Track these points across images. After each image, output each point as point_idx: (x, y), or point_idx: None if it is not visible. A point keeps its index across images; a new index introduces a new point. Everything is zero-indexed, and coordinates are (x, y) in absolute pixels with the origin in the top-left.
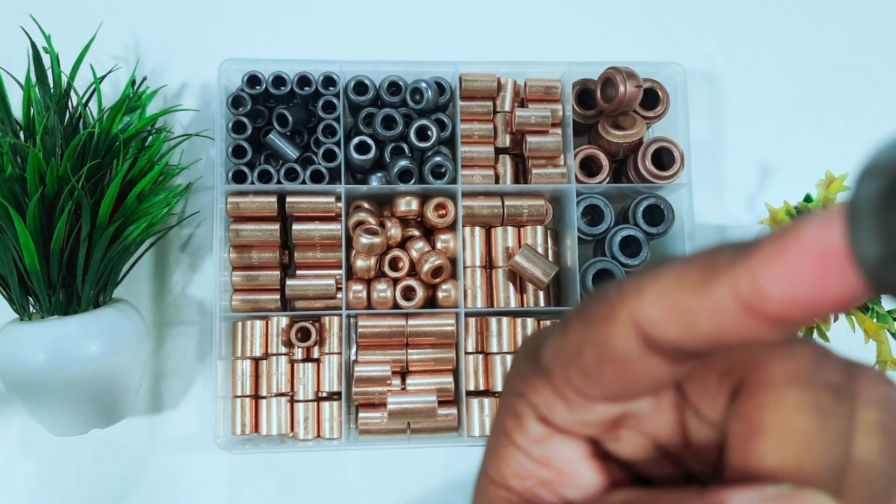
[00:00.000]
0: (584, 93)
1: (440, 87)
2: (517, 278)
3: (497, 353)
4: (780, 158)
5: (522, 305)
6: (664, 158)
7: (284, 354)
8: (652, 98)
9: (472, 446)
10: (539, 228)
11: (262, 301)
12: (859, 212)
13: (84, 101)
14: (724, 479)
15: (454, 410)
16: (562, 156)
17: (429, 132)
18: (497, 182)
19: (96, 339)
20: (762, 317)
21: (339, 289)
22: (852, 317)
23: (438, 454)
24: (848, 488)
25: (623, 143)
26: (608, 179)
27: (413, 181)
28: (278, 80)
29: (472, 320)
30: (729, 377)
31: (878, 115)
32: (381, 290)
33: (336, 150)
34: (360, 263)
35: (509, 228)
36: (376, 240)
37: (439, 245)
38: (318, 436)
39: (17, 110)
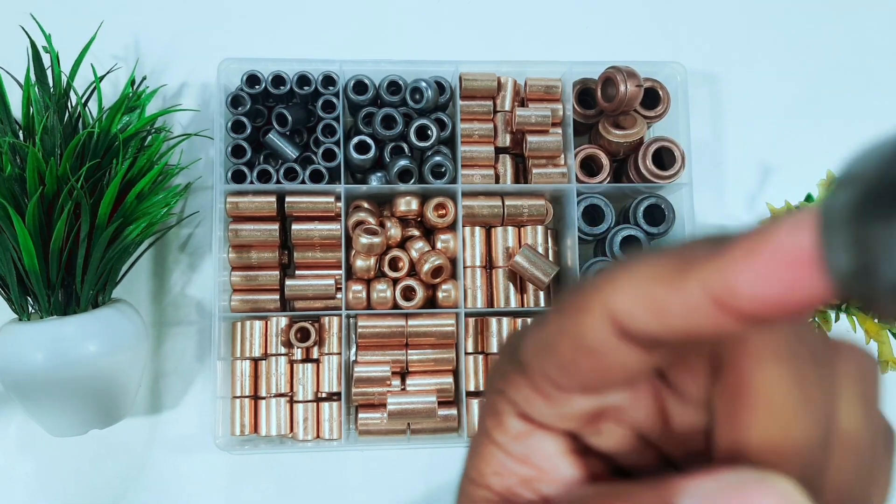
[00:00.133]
0: (585, 92)
1: (440, 87)
2: (517, 278)
3: (497, 354)
4: (780, 158)
5: (522, 305)
6: (665, 158)
7: (284, 355)
8: (652, 98)
9: None
10: (539, 228)
11: (262, 301)
12: (832, 221)
13: (83, 100)
14: (713, 458)
15: (454, 411)
16: (562, 155)
17: (429, 132)
18: (497, 182)
19: (95, 339)
20: (733, 313)
21: (338, 289)
22: (853, 317)
23: (438, 454)
24: (834, 459)
25: (623, 143)
26: (609, 179)
27: (413, 181)
28: (278, 80)
29: (471, 320)
30: (709, 353)
31: (878, 115)
32: (381, 290)
33: (336, 149)
34: (359, 263)
35: (509, 228)
36: (376, 240)
37: (439, 245)
38: (318, 436)
39: (16, 110)
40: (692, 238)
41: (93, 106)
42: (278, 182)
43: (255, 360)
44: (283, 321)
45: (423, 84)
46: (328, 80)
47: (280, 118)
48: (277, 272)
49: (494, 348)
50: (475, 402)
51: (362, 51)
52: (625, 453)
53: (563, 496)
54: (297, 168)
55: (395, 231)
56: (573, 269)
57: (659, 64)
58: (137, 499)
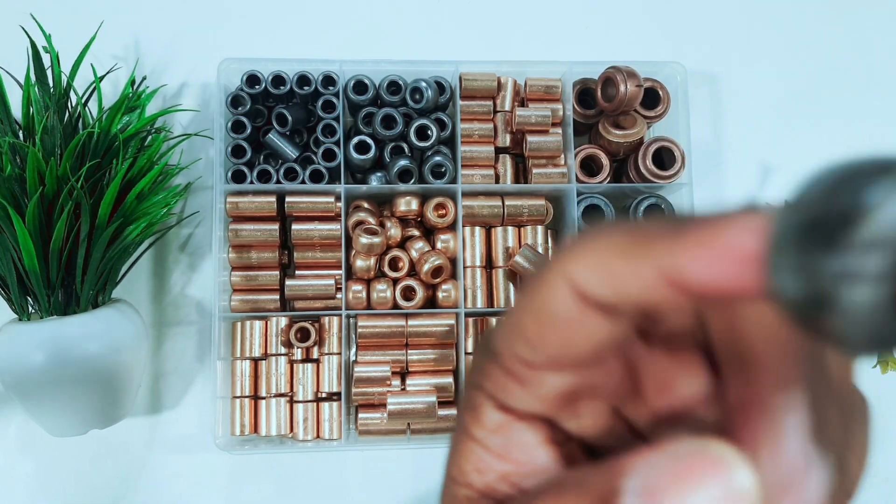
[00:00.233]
0: (585, 92)
1: (440, 87)
2: (517, 278)
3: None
4: (780, 158)
5: None
6: (665, 158)
7: (284, 355)
8: (652, 98)
9: None
10: (539, 228)
11: (262, 301)
12: (779, 242)
13: (84, 100)
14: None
15: (454, 411)
16: (562, 155)
17: (429, 132)
18: (497, 182)
19: (95, 339)
20: (682, 291)
21: (338, 289)
22: None
23: (438, 454)
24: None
25: (623, 143)
26: (608, 179)
27: (413, 181)
28: (278, 80)
29: (471, 320)
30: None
31: (878, 115)
32: (381, 290)
33: (336, 149)
34: (359, 263)
35: (509, 228)
36: (376, 240)
37: (439, 245)
38: (318, 436)
39: (16, 110)
40: (652, 218)
41: (93, 106)
42: (278, 182)
43: (255, 360)
44: (283, 321)
45: (423, 84)
46: (328, 80)
47: (280, 118)
48: (277, 272)
49: None
50: None
51: (362, 51)
52: (602, 435)
53: (527, 490)
54: (297, 168)
55: (395, 231)
56: None
57: (659, 64)
58: (137, 499)
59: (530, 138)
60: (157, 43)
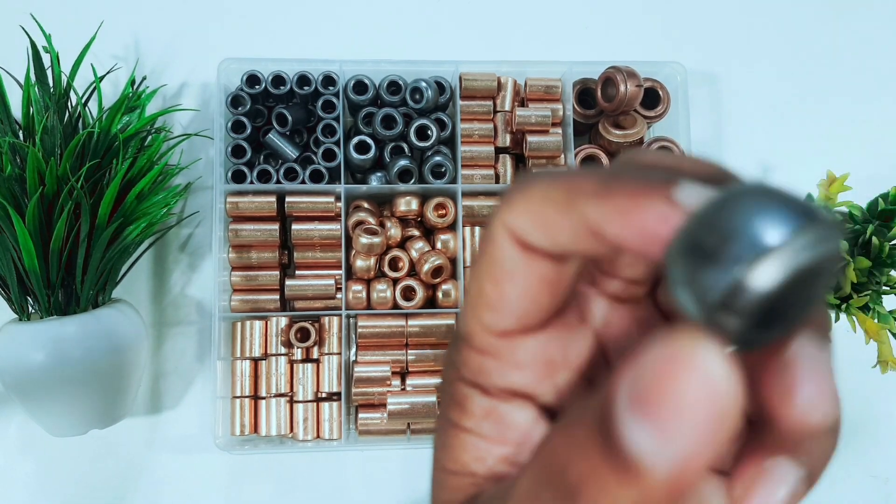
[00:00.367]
0: (585, 92)
1: (440, 87)
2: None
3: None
4: (780, 158)
5: None
6: None
7: (284, 355)
8: (652, 98)
9: None
10: None
11: (262, 301)
12: (672, 253)
13: (83, 100)
14: None
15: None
16: (562, 155)
17: (429, 132)
18: (497, 182)
19: (95, 339)
20: (603, 243)
21: (338, 289)
22: (853, 317)
23: None
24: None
25: (624, 143)
26: None
27: (413, 181)
28: (278, 80)
29: None
30: None
31: (878, 115)
32: (381, 290)
33: (336, 149)
34: (359, 263)
35: None
36: (376, 240)
37: (439, 245)
38: (318, 436)
39: (16, 110)
40: (584, 169)
41: (93, 106)
42: (278, 182)
43: (255, 360)
44: (283, 321)
45: (423, 84)
46: (328, 80)
47: (280, 118)
48: (277, 272)
49: None
50: None
51: (362, 51)
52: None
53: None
54: (297, 168)
55: (395, 231)
56: None
57: (659, 64)
58: (137, 499)
59: (530, 138)
60: (157, 43)
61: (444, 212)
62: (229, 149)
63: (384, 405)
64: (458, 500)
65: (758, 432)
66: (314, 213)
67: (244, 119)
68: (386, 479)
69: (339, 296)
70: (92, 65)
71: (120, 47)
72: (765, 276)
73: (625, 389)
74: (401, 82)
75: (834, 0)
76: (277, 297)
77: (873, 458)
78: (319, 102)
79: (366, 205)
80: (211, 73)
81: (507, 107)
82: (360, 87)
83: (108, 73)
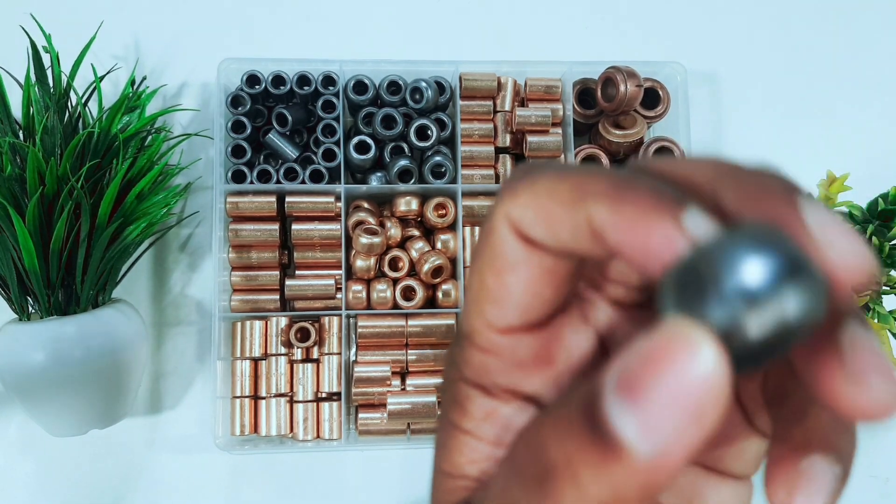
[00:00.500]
0: (585, 92)
1: (440, 87)
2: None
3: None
4: (780, 158)
5: None
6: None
7: (284, 355)
8: (652, 97)
9: None
10: None
11: (262, 301)
12: (671, 278)
13: (84, 100)
14: None
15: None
16: (562, 155)
17: (429, 132)
18: (497, 182)
19: (95, 339)
20: (606, 248)
21: (338, 289)
22: None
23: None
24: None
25: (624, 143)
26: None
27: (413, 181)
28: (278, 80)
29: None
30: None
31: (878, 115)
32: (381, 290)
33: (336, 149)
34: (359, 263)
35: None
36: (376, 240)
37: (439, 245)
38: (318, 436)
39: (16, 110)
40: (593, 168)
41: (93, 106)
42: (278, 182)
43: (255, 360)
44: (283, 321)
45: (423, 84)
46: (328, 80)
47: (280, 118)
48: (277, 272)
49: None
50: None
51: (362, 51)
52: None
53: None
54: (297, 168)
55: (395, 231)
56: None
57: (659, 64)
58: (137, 499)
59: (530, 138)
60: (157, 43)
61: (444, 212)
62: (229, 149)
63: (384, 405)
64: (451, 503)
65: (781, 430)
66: (314, 213)
67: (244, 119)
68: (386, 479)
69: (339, 296)
70: (92, 65)
71: (120, 47)
72: (750, 325)
73: (613, 374)
74: (401, 82)
75: (834, 0)
76: (277, 297)
77: (873, 458)
78: (319, 102)
79: (366, 205)
80: (211, 73)
81: (507, 107)
82: (360, 87)
83: (108, 73)
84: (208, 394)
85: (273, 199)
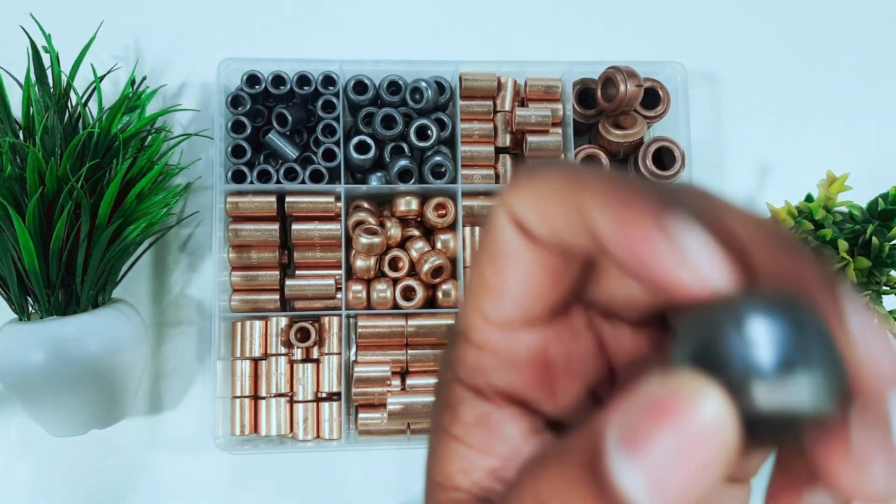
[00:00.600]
0: (585, 92)
1: (440, 87)
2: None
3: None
4: (780, 158)
5: None
6: (665, 158)
7: (284, 355)
8: (652, 97)
9: None
10: None
11: (262, 301)
12: (684, 332)
13: (84, 100)
14: None
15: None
16: (562, 155)
17: (429, 132)
18: (497, 182)
19: (95, 339)
20: (600, 247)
21: (338, 289)
22: None
23: None
24: None
25: (624, 143)
26: None
27: (413, 181)
28: (278, 80)
29: None
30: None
31: (878, 115)
32: (381, 290)
33: (336, 149)
34: (359, 263)
35: None
36: (376, 240)
37: (439, 245)
38: (318, 436)
39: (16, 110)
40: (594, 167)
41: (93, 106)
42: (278, 182)
43: (255, 360)
44: (283, 321)
45: (423, 84)
46: (328, 80)
47: (280, 118)
48: (277, 272)
49: None
50: None
51: (362, 51)
52: (581, 420)
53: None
54: (297, 168)
55: (395, 231)
56: None
57: (659, 64)
58: (137, 499)
59: (530, 138)
60: (157, 43)
61: (444, 212)
62: (229, 149)
63: (384, 405)
64: None
65: (784, 456)
66: (314, 213)
67: (244, 119)
68: (386, 478)
69: (339, 296)
70: (92, 65)
71: (120, 47)
72: (758, 394)
73: (616, 426)
74: (401, 82)
75: (834, 0)
76: (277, 297)
77: None
78: (319, 102)
79: (366, 205)
80: (211, 73)
81: (507, 107)
82: (360, 87)
83: (108, 73)
84: (208, 394)
85: (273, 199)
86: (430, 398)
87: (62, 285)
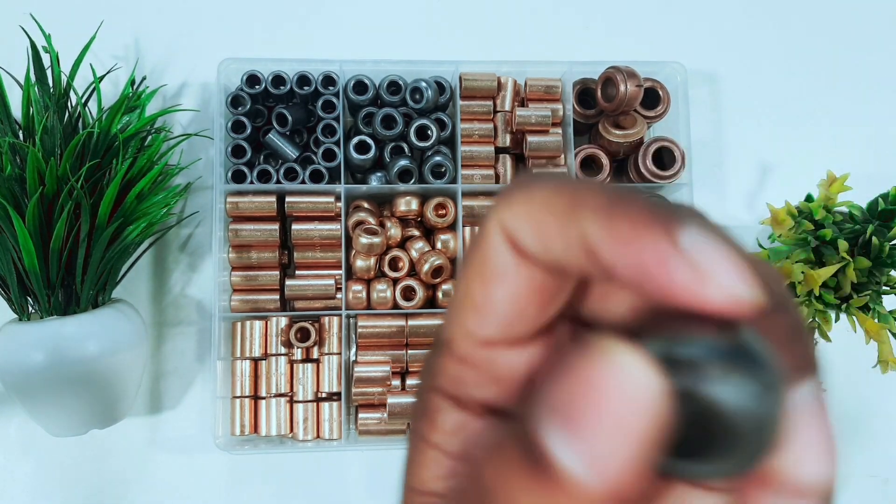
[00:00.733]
0: (585, 92)
1: (440, 87)
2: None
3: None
4: (780, 158)
5: None
6: (665, 158)
7: (284, 355)
8: (652, 97)
9: None
10: None
11: (262, 301)
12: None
13: (83, 100)
14: None
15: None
16: (562, 155)
17: (429, 132)
18: (497, 182)
19: (95, 339)
20: (598, 265)
21: (338, 289)
22: (853, 317)
23: None
24: None
25: (624, 143)
26: (609, 179)
27: (413, 181)
28: (278, 80)
29: None
30: None
31: (878, 115)
32: (381, 290)
33: (336, 149)
34: (359, 263)
35: None
36: (376, 240)
37: (439, 245)
38: (318, 436)
39: (16, 110)
40: (592, 181)
41: (93, 106)
42: (278, 182)
43: (255, 360)
44: (283, 321)
45: (423, 84)
46: (328, 80)
47: (280, 118)
48: (277, 272)
49: None
50: None
51: (362, 51)
52: None
53: None
54: (297, 168)
55: (395, 231)
56: None
57: (659, 64)
58: (137, 499)
59: (530, 138)
60: (157, 43)
61: (444, 212)
62: (229, 149)
63: (384, 405)
64: None
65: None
66: (314, 213)
67: (244, 119)
68: (385, 478)
69: (339, 296)
70: (91, 65)
71: (120, 47)
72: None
73: (546, 401)
74: (401, 82)
75: (834, 0)
76: (277, 297)
77: (873, 458)
78: (319, 102)
79: (366, 205)
80: (211, 73)
81: (507, 107)
82: (360, 87)
83: (107, 73)
84: (208, 394)
85: (273, 199)
86: None
87: (62, 285)
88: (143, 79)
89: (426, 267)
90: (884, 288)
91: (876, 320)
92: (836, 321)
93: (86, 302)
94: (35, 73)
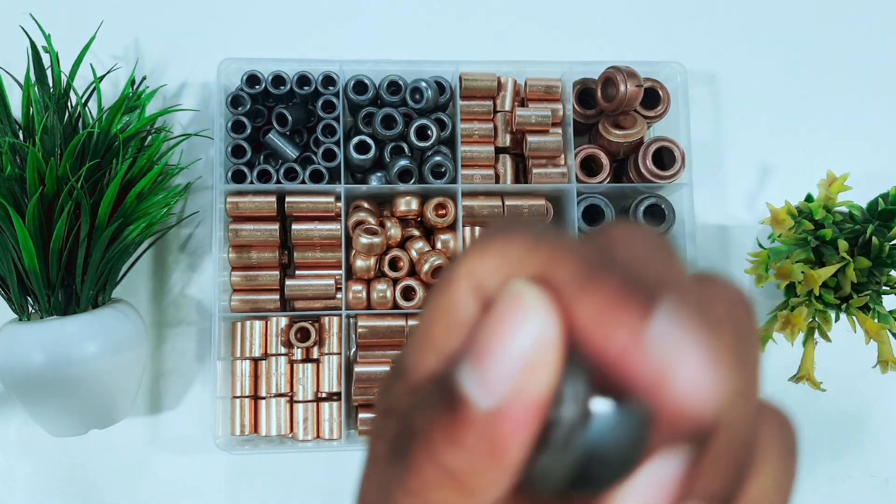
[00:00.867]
0: (585, 92)
1: (440, 87)
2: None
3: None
4: (780, 158)
5: None
6: (665, 158)
7: (284, 355)
8: (652, 97)
9: None
10: None
11: (262, 301)
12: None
13: (83, 100)
14: None
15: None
16: (562, 155)
17: (429, 132)
18: (497, 182)
19: (95, 339)
20: (570, 333)
21: (338, 289)
22: (853, 317)
23: None
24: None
25: (624, 143)
26: (609, 179)
27: (413, 181)
28: (278, 80)
29: None
30: None
31: (878, 115)
32: (381, 290)
33: (336, 149)
34: (359, 263)
35: None
36: (376, 240)
37: (439, 245)
38: (318, 436)
39: (16, 110)
40: (570, 242)
41: (93, 106)
42: (278, 182)
43: (255, 360)
44: (283, 321)
45: (423, 84)
46: (328, 80)
47: (280, 118)
48: (277, 272)
49: None
50: None
51: (362, 51)
52: None
53: None
54: (297, 168)
55: (395, 231)
56: None
57: (659, 63)
58: (137, 499)
59: (530, 138)
60: (157, 43)
61: (444, 212)
62: (229, 149)
63: None
64: None
65: None
66: (314, 213)
67: (244, 119)
68: None
69: (339, 296)
70: (91, 65)
71: (120, 47)
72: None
73: (467, 352)
74: (401, 82)
75: (834, 0)
76: (277, 297)
77: (873, 458)
78: (319, 102)
79: (366, 205)
80: (211, 73)
81: (507, 107)
82: (360, 87)
83: (107, 73)
84: (208, 394)
85: (273, 199)
86: None
87: (62, 285)
88: (143, 79)
89: (426, 267)
90: (884, 288)
91: (876, 320)
92: (836, 321)
93: (86, 302)
94: (35, 73)
